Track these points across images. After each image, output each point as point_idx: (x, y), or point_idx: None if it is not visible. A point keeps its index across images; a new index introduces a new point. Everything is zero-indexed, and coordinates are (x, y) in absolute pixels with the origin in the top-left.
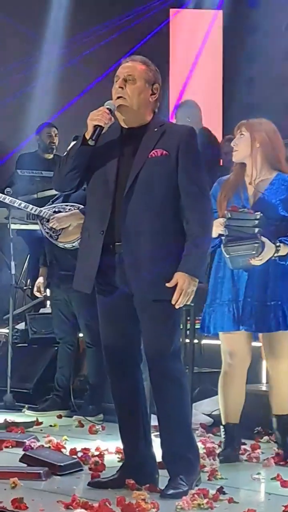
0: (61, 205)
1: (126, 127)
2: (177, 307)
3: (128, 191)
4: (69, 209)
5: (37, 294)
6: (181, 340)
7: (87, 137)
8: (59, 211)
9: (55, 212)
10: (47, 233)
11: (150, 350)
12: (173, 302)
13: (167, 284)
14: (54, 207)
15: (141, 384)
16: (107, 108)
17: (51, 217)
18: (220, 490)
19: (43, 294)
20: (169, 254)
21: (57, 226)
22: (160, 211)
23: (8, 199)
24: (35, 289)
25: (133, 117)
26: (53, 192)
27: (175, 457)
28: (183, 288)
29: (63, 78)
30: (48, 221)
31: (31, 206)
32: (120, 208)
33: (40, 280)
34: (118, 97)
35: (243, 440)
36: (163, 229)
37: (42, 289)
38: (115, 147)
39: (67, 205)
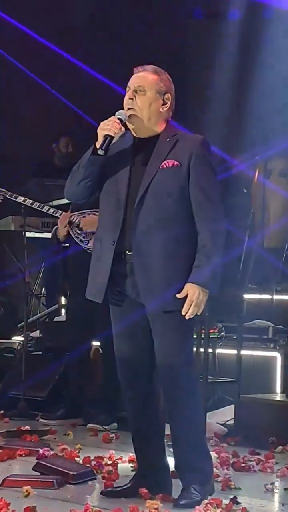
0: (90, 211)
1: (138, 137)
2: (187, 318)
3: (139, 202)
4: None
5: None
6: (195, 349)
7: (98, 146)
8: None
9: (84, 217)
10: (77, 237)
11: (162, 360)
12: (183, 313)
13: (177, 295)
14: (83, 212)
15: (154, 393)
16: (118, 118)
17: (80, 220)
18: (234, 500)
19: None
20: (180, 266)
21: (86, 228)
22: (171, 222)
23: (37, 205)
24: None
25: (144, 127)
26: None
27: (188, 467)
28: (193, 299)
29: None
30: (77, 226)
31: (59, 211)
32: (131, 219)
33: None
34: (129, 108)
35: (257, 450)
36: (174, 240)
37: None
38: (127, 157)
39: (96, 211)
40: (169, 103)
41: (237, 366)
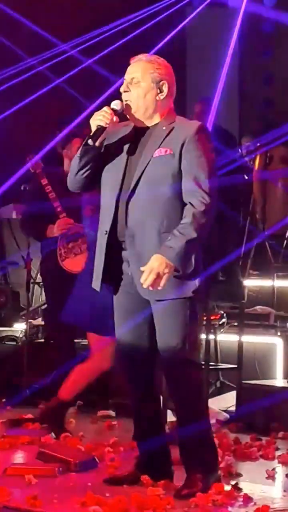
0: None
1: (138, 126)
2: (144, 286)
3: (131, 191)
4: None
5: None
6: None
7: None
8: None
9: (79, 234)
10: (60, 249)
11: (162, 348)
12: (141, 281)
13: (141, 268)
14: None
15: (156, 380)
16: (112, 109)
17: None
18: (235, 487)
19: None
20: None
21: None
22: (164, 211)
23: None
24: None
25: (141, 118)
26: None
27: (193, 457)
28: (153, 267)
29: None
30: (67, 239)
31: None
32: (124, 208)
33: None
34: (125, 101)
35: (258, 436)
36: (167, 230)
37: None
38: (126, 147)
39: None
40: (166, 90)
41: (239, 353)
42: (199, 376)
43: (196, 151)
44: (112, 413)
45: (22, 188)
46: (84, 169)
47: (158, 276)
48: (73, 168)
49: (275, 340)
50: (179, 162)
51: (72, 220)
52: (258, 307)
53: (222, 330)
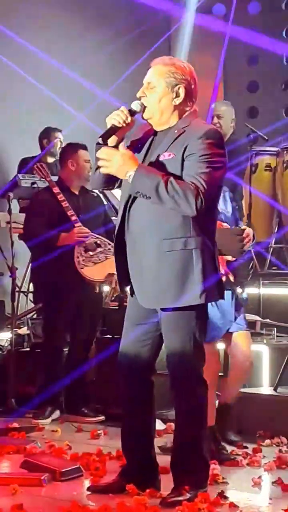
0: (106, 241)
1: (157, 130)
2: (97, 154)
3: (134, 197)
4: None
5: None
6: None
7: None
8: (100, 245)
9: (96, 243)
10: (77, 257)
11: (169, 361)
12: (99, 151)
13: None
14: (98, 238)
15: (151, 389)
16: (129, 109)
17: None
18: (221, 495)
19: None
20: (174, 262)
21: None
22: (165, 217)
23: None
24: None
25: (157, 122)
26: None
27: (184, 471)
28: (120, 155)
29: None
30: (85, 247)
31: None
32: (129, 213)
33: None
34: (142, 104)
35: (244, 444)
36: (168, 236)
37: None
38: (145, 148)
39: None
40: (182, 95)
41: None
42: (203, 391)
43: (198, 154)
44: (99, 420)
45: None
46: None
47: (108, 162)
48: (94, 166)
49: (261, 348)
50: (182, 165)
51: (88, 230)
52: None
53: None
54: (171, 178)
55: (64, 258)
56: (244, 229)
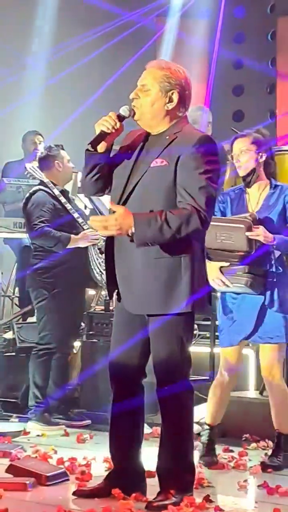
0: None
1: (149, 134)
2: (90, 222)
3: (125, 200)
4: None
5: None
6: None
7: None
8: None
9: None
10: (97, 259)
11: (157, 368)
12: (90, 219)
13: (111, 205)
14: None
15: (141, 394)
16: (118, 115)
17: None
18: (207, 499)
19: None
20: (162, 268)
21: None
22: None
23: (69, 207)
24: None
25: (148, 126)
26: None
27: (170, 475)
28: (115, 220)
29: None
30: (100, 249)
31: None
32: None
33: None
34: (134, 107)
35: (230, 448)
36: (158, 245)
37: None
38: (135, 153)
39: None
40: (176, 100)
41: (211, 364)
42: (189, 396)
43: (192, 164)
44: (85, 424)
45: None
46: (92, 174)
47: (106, 228)
48: (84, 173)
49: (247, 352)
50: (174, 174)
51: (96, 233)
52: None
53: (193, 342)
54: (167, 213)
55: (71, 259)
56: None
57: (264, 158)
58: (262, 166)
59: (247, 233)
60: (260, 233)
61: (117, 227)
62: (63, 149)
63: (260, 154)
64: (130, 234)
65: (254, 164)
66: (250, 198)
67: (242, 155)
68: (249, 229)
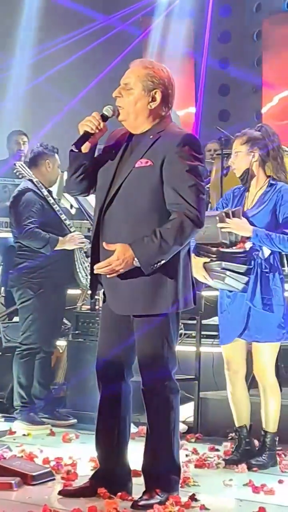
0: None
1: (133, 133)
2: (95, 272)
3: (109, 202)
4: None
5: None
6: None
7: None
8: None
9: None
10: (83, 263)
11: (140, 364)
12: (95, 267)
13: (104, 245)
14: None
15: (128, 394)
16: (101, 114)
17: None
18: (192, 497)
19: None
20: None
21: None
22: (140, 225)
23: (58, 209)
24: None
25: (131, 125)
26: None
27: (156, 474)
28: (117, 259)
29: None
30: (86, 252)
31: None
32: (104, 219)
33: None
34: (118, 106)
35: (216, 447)
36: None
37: None
38: (119, 153)
39: None
40: (159, 99)
41: (197, 364)
42: (174, 395)
43: (178, 163)
44: (71, 423)
45: None
46: (76, 174)
47: (113, 271)
48: (68, 173)
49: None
50: (160, 174)
51: (83, 237)
52: (215, 318)
53: (179, 341)
54: (160, 230)
55: (57, 261)
56: (227, 212)
57: (256, 157)
58: (258, 164)
59: (219, 225)
60: (232, 226)
61: (122, 264)
62: (57, 153)
63: (252, 153)
64: (136, 264)
65: (247, 164)
66: (249, 196)
67: (235, 156)
68: (222, 220)
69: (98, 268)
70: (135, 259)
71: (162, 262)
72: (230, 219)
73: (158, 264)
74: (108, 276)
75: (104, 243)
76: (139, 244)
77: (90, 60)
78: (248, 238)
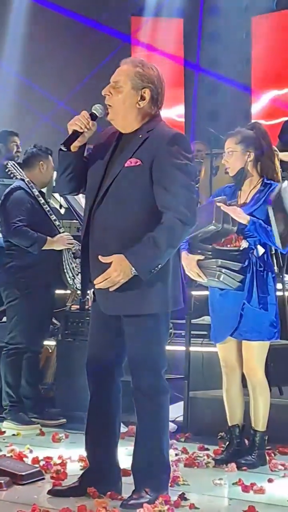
0: None
1: (122, 132)
2: (96, 287)
3: (99, 202)
4: None
5: None
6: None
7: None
8: None
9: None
10: (70, 264)
11: (130, 364)
12: (95, 282)
13: (100, 257)
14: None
15: (118, 393)
16: (91, 113)
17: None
18: (182, 496)
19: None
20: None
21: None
22: (130, 226)
23: (47, 208)
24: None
25: (121, 124)
26: None
27: (145, 473)
28: (115, 271)
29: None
30: (74, 253)
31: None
32: (93, 219)
33: None
34: (108, 105)
35: (206, 446)
36: (132, 243)
37: None
38: (108, 153)
39: None
40: (148, 98)
41: (186, 363)
42: (164, 394)
43: (169, 163)
44: (61, 423)
45: None
46: (66, 173)
47: (113, 283)
48: (58, 172)
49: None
50: (150, 174)
51: (72, 237)
52: (205, 317)
53: (169, 341)
54: (152, 236)
55: (45, 261)
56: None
57: (252, 156)
58: (253, 163)
59: (218, 204)
60: (231, 210)
61: (121, 274)
62: (51, 154)
63: (248, 153)
64: (133, 274)
65: (241, 164)
66: (241, 195)
67: (230, 155)
68: (223, 202)
69: (100, 283)
70: (132, 269)
71: (160, 266)
72: (228, 206)
73: (156, 268)
74: (110, 289)
75: (100, 257)
76: (133, 253)
77: (79, 60)
78: (244, 228)
